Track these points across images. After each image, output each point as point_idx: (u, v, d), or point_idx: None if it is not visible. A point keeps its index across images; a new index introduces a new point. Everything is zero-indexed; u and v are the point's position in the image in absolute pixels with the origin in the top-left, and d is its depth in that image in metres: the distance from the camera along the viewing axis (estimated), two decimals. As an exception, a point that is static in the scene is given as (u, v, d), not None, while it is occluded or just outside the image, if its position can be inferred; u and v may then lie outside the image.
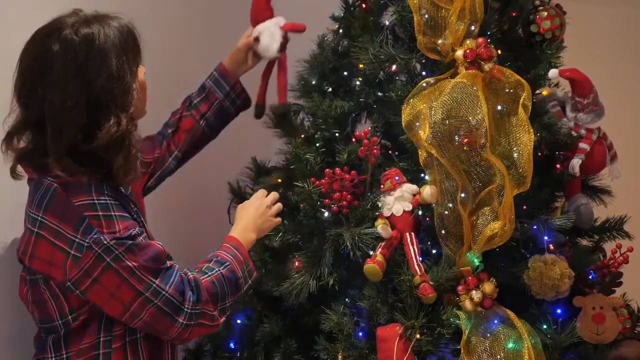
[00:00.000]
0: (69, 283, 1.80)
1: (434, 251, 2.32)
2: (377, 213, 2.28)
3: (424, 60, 2.35)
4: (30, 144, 1.85)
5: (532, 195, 2.26)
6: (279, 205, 2.25)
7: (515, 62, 2.38)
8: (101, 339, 1.86)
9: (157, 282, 1.82)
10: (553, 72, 2.34)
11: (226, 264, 1.99)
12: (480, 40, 2.24)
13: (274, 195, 2.25)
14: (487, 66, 2.23)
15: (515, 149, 2.21)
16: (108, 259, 1.78)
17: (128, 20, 1.90)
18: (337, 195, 2.28)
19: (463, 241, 2.20)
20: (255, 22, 2.48)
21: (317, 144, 2.44)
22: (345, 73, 2.53)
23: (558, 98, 2.44)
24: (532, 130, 2.22)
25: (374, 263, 2.16)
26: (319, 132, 2.47)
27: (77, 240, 1.77)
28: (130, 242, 1.80)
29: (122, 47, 1.84)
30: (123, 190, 1.94)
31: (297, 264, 2.33)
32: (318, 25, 2.65)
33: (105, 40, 1.81)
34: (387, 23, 2.46)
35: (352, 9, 2.57)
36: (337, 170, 2.27)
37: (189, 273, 1.92)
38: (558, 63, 2.37)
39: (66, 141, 1.78)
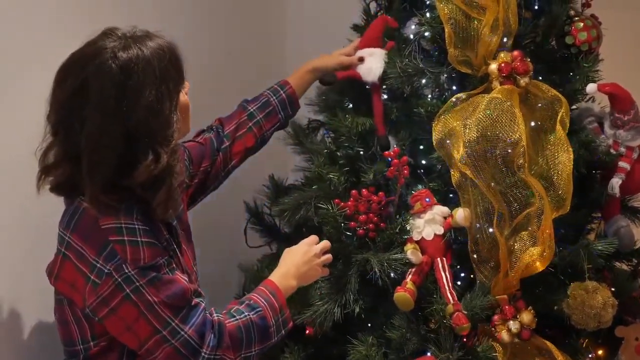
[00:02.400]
0: (87, 310, 1.71)
1: (462, 274, 2.19)
2: (405, 237, 2.15)
3: (454, 74, 2.22)
4: (64, 176, 1.75)
5: (569, 217, 2.14)
6: (329, 256, 2.05)
7: (549, 75, 2.26)
8: None
9: (176, 321, 1.71)
10: (592, 87, 2.21)
11: (258, 310, 1.83)
12: (515, 53, 2.12)
13: (325, 243, 2.05)
14: (523, 81, 2.11)
15: (553, 168, 2.09)
16: (128, 290, 1.68)
17: (169, 40, 1.78)
18: (363, 218, 2.14)
19: (498, 267, 2.07)
20: (365, 47, 2.37)
21: (340, 162, 2.30)
22: (368, 87, 2.39)
23: (595, 114, 2.31)
24: (571, 148, 2.10)
25: (405, 291, 2.03)
26: (341, 150, 2.33)
27: (98, 265, 1.68)
28: (153, 274, 1.70)
29: (163, 76, 1.72)
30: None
31: (320, 292, 2.20)
32: (338, 36, 2.53)
33: (144, 69, 1.69)
34: (411, 35, 2.33)
35: (372, 18, 2.44)
36: (364, 191, 2.14)
37: (214, 315, 1.79)
38: (596, 77, 2.25)
39: (101, 177, 1.68)
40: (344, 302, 2.16)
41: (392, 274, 2.09)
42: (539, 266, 2.04)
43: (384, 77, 2.28)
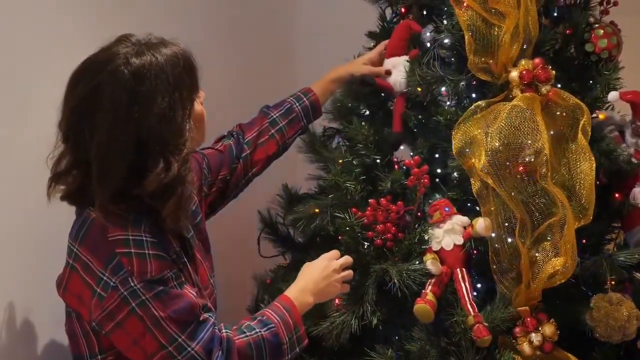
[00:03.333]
0: (93, 323, 1.68)
1: (478, 285, 2.15)
2: (424, 247, 2.11)
3: (474, 82, 2.18)
4: (75, 185, 1.72)
5: (589, 227, 2.09)
6: (350, 272, 2.00)
7: (569, 83, 2.22)
8: None
9: (183, 337, 1.67)
10: (613, 95, 2.17)
11: (270, 326, 1.78)
12: (537, 60, 2.08)
13: (347, 259, 2.00)
14: (544, 88, 2.07)
15: (575, 177, 2.05)
16: (133, 304, 1.65)
17: (184, 47, 1.75)
18: (381, 228, 2.10)
19: (519, 278, 2.03)
20: (390, 55, 2.33)
21: (356, 171, 2.26)
22: (383, 94, 2.35)
23: (616, 122, 2.27)
24: (593, 157, 2.06)
25: (425, 302, 1.98)
26: (356, 159, 2.28)
27: (104, 277, 1.65)
28: (160, 287, 1.66)
29: (176, 83, 1.69)
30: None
31: (337, 301, 2.15)
32: (353, 43, 2.50)
33: (157, 75, 1.66)
34: (427, 43, 2.30)
35: (390, 25, 2.41)
36: (383, 200, 2.10)
37: (223, 331, 1.74)
38: (617, 85, 2.20)
39: (111, 186, 1.65)
40: (361, 314, 2.11)
41: (412, 285, 2.05)
42: (562, 277, 2.00)
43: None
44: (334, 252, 2.01)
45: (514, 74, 2.07)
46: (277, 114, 2.28)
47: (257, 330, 1.77)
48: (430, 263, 2.05)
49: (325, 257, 1.99)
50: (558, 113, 2.11)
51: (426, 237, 2.11)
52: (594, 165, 2.05)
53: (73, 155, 1.71)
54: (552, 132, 2.08)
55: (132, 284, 1.64)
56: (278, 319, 1.81)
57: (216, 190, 2.15)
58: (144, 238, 1.67)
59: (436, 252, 2.09)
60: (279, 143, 2.27)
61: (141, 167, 1.65)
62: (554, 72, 2.08)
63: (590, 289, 2.11)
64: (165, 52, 1.70)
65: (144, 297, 1.64)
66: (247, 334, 1.76)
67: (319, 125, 2.44)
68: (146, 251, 1.66)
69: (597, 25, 2.27)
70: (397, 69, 2.28)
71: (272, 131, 2.26)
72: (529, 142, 1.99)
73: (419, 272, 2.05)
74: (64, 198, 1.74)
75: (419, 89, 2.21)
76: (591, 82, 2.24)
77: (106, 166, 1.64)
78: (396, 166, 2.24)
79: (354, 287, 2.13)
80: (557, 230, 1.99)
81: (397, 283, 2.03)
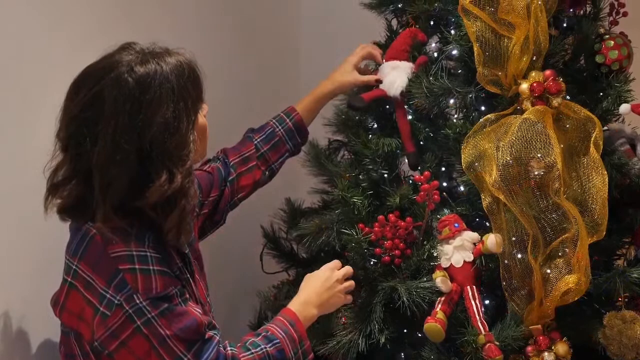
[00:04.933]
0: (96, 343, 1.62)
1: (486, 301, 2.10)
2: (433, 264, 2.06)
3: (483, 94, 2.13)
4: (73, 196, 1.65)
5: (601, 243, 2.05)
6: (352, 283, 1.97)
7: (579, 95, 2.17)
8: None
9: (189, 356, 1.62)
10: (625, 108, 2.12)
11: (275, 342, 1.75)
12: (547, 72, 2.04)
13: (347, 269, 1.96)
14: (555, 101, 2.03)
15: (587, 192, 2.00)
16: (139, 322, 1.60)
17: (189, 57, 1.70)
18: (389, 244, 2.05)
19: (531, 295, 1.98)
20: (391, 59, 2.26)
21: (363, 185, 2.21)
22: (388, 106, 2.30)
23: (626, 135, 2.22)
24: (605, 171, 2.01)
25: (436, 321, 1.94)
26: (363, 174, 2.23)
27: (107, 295, 1.60)
28: (165, 305, 1.61)
29: (181, 93, 1.64)
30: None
31: (343, 319, 2.10)
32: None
33: (161, 84, 1.61)
34: (434, 53, 2.25)
35: (395, 35, 2.36)
36: (391, 216, 2.05)
37: (229, 348, 1.70)
38: (628, 97, 2.16)
39: (114, 197, 1.59)
40: (369, 332, 2.06)
41: (421, 304, 2.00)
42: (575, 295, 1.95)
43: (409, 97, 2.18)
44: (336, 262, 1.97)
45: (524, 86, 2.03)
46: (259, 140, 2.22)
47: (263, 346, 1.73)
48: (440, 281, 2.00)
49: (327, 267, 1.95)
50: (569, 126, 2.07)
51: (435, 254, 2.06)
52: (607, 179, 2.01)
53: (72, 164, 1.64)
54: (561, 146, 2.04)
55: (137, 302, 1.59)
56: (283, 334, 1.77)
57: (206, 212, 2.10)
58: (148, 254, 1.62)
59: (445, 269, 2.04)
60: (262, 168, 2.21)
61: (143, 178, 1.60)
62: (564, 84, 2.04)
63: (603, 306, 2.07)
64: (170, 61, 1.65)
65: (149, 315, 1.59)
66: (252, 351, 1.72)
67: (323, 137, 2.39)
68: (151, 267, 1.61)
69: (607, 36, 2.23)
70: (397, 70, 2.21)
71: (256, 157, 2.20)
72: (541, 156, 1.94)
73: (428, 290, 2.00)
74: (61, 212, 1.67)
75: (420, 102, 2.16)
76: (601, 94, 2.20)
77: (109, 176, 1.58)
78: (403, 181, 2.19)
79: (361, 305, 2.08)
80: (570, 246, 1.95)
81: (406, 301, 1.98)
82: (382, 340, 2.05)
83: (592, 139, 2.03)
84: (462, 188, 2.18)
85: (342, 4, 3.01)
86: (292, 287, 2.35)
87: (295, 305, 1.87)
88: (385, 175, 2.21)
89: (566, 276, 1.95)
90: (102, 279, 1.60)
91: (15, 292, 1.84)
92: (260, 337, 1.76)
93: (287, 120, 2.24)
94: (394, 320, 2.08)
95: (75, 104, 1.62)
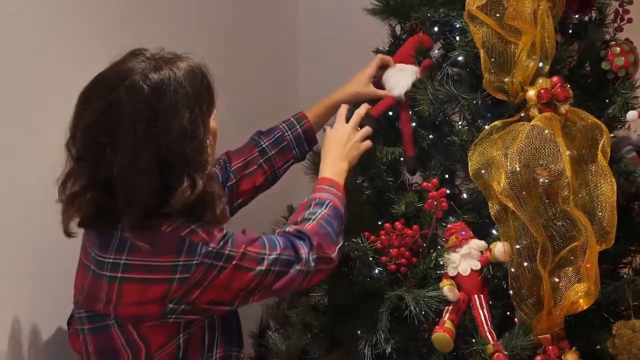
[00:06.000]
0: (170, 305, 1.62)
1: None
2: (439, 272, 2.03)
3: (489, 101, 2.11)
4: (93, 207, 1.63)
5: (608, 251, 2.02)
6: (367, 129, 2.08)
7: (586, 102, 2.15)
8: None
9: (266, 252, 1.72)
10: (632, 115, 2.11)
11: (327, 203, 1.88)
12: (555, 79, 2.02)
13: (367, 129, 2.08)
14: (563, 108, 2.01)
15: (595, 200, 1.98)
16: (220, 264, 1.65)
17: (199, 61, 1.69)
18: (395, 252, 2.03)
19: (540, 304, 1.95)
20: (398, 62, 2.24)
21: (367, 193, 2.18)
22: (391, 114, 2.27)
23: (633, 142, 2.21)
24: (613, 179, 1.99)
25: (444, 331, 1.91)
26: (367, 181, 2.20)
27: (180, 262, 1.61)
28: (229, 240, 1.67)
29: (195, 99, 1.64)
30: None
31: (349, 329, 2.08)
32: (356, 59, 2.41)
33: (176, 90, 1.60)
34: (437, 59, 2.23)
35: (399, 41, 2.33)
36: (398, 224, 2.02)
37: (289, 228, 1.82)
38: (635, 104, 2.14)
39: (139, 206, 1.58)
40: (375, 342, 2.03)
41: (429, 313, 1.97)
42: (585, 304, 1.93)
43: (414, 104, 2.16)
44: (342, 114, 2.10)
45: (532, 92, 2.01)
46: (267, 143, 2.19)
47: (319, 211, 1.85)
48: (448, 290, 1.97)
49: (338, 121, 2.09)
50: (576, 133, 2.05)
51: (441, 262, 2.03)
52: (615, 187, 1.99)
53: (89, 174, 1.63)
54: (568, 153, 2.02)
55: (212, 250, 1.63)
56: (329, 195, 1.91)
57: None
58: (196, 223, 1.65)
59: (452, 278, 2.01)
60: (267, 173, 2.18)
61: (165, 186, 1.60)
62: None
63: (611, 315, 2.05)
64: (183, 67, 1.64)
65: (225, 252, 1.64)
66: (312, 218, 1.83)
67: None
68: (202, 225, 1.65)
69: (613, 43, 2.21)
70: (402, 72, 2.19)
71: (261, 161, 2.17)
72: (550, 163, 1.92)
73: (435, 299, 1.97)
74: (84, 225, 1.67)
75: (424, 108, 2.13)
76: (607, 101, 2.18)
77: (132, 185, 1.57)
78: (408, 188, 2.16)
79: (367, 315, 2.05)
80: (580, 254, 1.92)
81: (413, 311, 1.95)
82: (389, 349, 2.02)
83: (600, 147, 2.01)
84: (465, 195, 2.16)
85: (340, 9, 3.00)
86: (294, 297, 2.31)
87: (326, 170, 1.99)
88: (390, 183, 2.18)
89: (576, 285, 1.92)
90: (166, 255, 1.61)
91: (22, 293, 1.86)
92: (311, 207, 1.87)
93: (297, 126, 2.21)
94: (400, 330, 2.05)
95: (91, 113, 1.60)
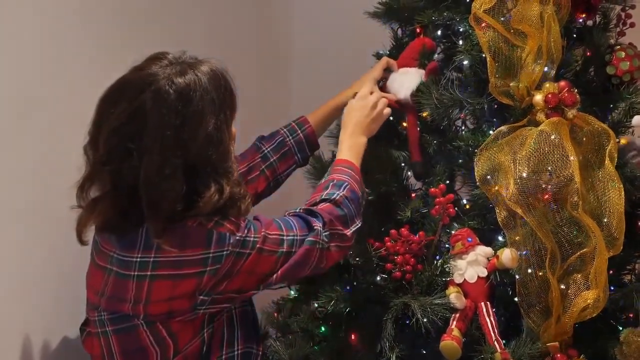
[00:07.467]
0: (200, 297, 1.63)
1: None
2: (445, 279, 2.00)
3: (495, 106, 2.08)
4: (114, 211, 1.62)
5: (614, 257, 2.00)
6: (384, 100, 2.09)
7: (591, 107, 2.13)
8: None
9: (284, 233, 1.73)
10: (638, 119, 2.09)
11: (345, 185, 1.87)
12: (562, 83, 2.00)
13: (384, 102, 2.09)
14: (570, 113, 1.98)
15: (603, 205, 1.96)
16: (247, 251, 1.66)
17: (221, 65, 1.68)
18: (400, 259, 1.99)
19: (548, 312, 1.93)
20: (401, 66, 2.22)
21: (371, 199, 2.15)
22: (392, 118, 2.24)
23: (638, 147, 2.19)
24: (621, 184, 1.97)
25: (452, 339, 1.88)
26: (371, 186, 2.17)
27: (211, 255, 1.62)
28: (250, 224, 1.69)
29: (220, 105, 1.64)
30: None
31: (353, 337, 2.05)
32: (361, 65, 2.39)
33: (202, 97, 1.60)
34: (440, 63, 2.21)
35: (402, 42, 2.31)
36: (403, 230, 1.99)
37: (298, 209, 1.83)
38: (642, 109, 2.13)
39: (165, 212, 1.57)
40: (379, 350, 2.00)
41: (436, 321, 1.94)
42: (594, 311, 1.90)
43: (418, 108, 2.13)
44: (364, 89, 2.10)
45: (539, 97, 1.99)
46: (269, 148, 2.17)
47: (337, 192, 1.84)
48: (455, 297, 1.95)
49: (360, 96, 2.08)
50: (582, 138, 2.03)
51: (447, 269, 2.00)
52: (623, 192, 1.97)
53: (112, 179, 1.61)
54: (576, 158, 1.99)
55: (239, 239, 1.64)
56: (347, 177, 1.90)
57: None
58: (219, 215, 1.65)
59: (459, 285, 1.98)
60: (269, 179, 2.16)
61: (191, 191, 1.59)
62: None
63: (619, 322, 2.03)
64: (206, 71, 1.64)
65: (251, 239, 1.66)
66: (331, 198, 1.83)
67: (328, 150, 2.33)
68: (225, 216, 1.65)
69: (618, 47, 2.19)
70: (407, 75, 2.17)
71: (263, 167, 2.15)
72: (559, 169, 1.90)
73: (442, 307, 1.94)
74: (103, 230, 1.66)
75: (426, 113, 2.11)
76: (612, 105, 2.17)
77: (159, 191, 1.57)
78: (413, 194, 2.13)
79: (372, 323, 2.02)
80: (589, 261, 1.90)
81: (420, 318, 1.92)
82: (393, 358, 1.99)
83: (607, 152, 1.99)
84: (464, 201, 2.14)
85: (335, 11, 2.97)
86: (295, 304, 2.27)
87: (344, 147, 1.99)
88: (394, 189, 2.15)
89: (584, 292, 1.90)
90: (196, 249, 1.61)
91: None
92: (330, 187, 1.86)
93: (299, 131, 2.18)
94: (404, 338, 2.02)
95: (115, 117, 1.58)
